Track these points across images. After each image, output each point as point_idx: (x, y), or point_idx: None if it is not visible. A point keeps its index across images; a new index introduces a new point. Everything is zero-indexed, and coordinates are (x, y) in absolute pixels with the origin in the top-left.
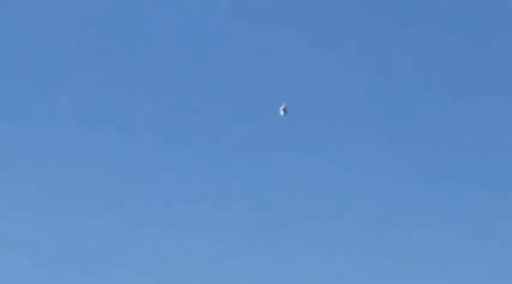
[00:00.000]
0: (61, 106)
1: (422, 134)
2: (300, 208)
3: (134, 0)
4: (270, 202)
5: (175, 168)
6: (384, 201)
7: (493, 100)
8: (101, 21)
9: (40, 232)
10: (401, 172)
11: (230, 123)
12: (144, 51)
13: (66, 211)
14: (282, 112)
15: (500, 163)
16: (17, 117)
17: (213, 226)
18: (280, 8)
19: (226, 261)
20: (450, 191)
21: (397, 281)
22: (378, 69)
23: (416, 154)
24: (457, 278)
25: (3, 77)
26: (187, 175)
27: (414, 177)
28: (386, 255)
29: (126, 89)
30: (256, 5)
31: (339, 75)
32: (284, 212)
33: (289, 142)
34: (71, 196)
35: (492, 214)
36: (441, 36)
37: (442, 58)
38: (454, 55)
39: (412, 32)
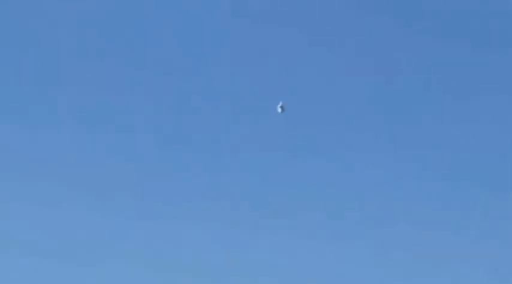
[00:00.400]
0: (61, 106)
1: (422, 134)
2: (299, 206)
3: (134, 0)
4: (269, 200)
5: (175, 166)
6: (383, 200)
7: (493, 100)
8: (101, 21)
9: (40, 230)
10: (402, 172)
11: (230, 122)
12: (144, 51)
13: (66, 208)
14: (279, 110)
15: (500, 162)
16: (17, 117)
17: (213, 220)
18: (280, 8)
19: (226, 252)
20: (450, 190)
21: (397, 277)
22: (378, 69)
23: (416, 154)
24: (457, 277)
25: (3, 77)
26: (188, 173)
27: (414, 177)
28: (385, 251)
29: (126, 89)
30: (256, 5)
31: (339, 75)
32: (283, 210)
33: (289, 141)
34: (72, 194)
35: (492, 214)
36: (441, 36)
37: (442, 58)
38: (454, 55)
39: (412, 32)
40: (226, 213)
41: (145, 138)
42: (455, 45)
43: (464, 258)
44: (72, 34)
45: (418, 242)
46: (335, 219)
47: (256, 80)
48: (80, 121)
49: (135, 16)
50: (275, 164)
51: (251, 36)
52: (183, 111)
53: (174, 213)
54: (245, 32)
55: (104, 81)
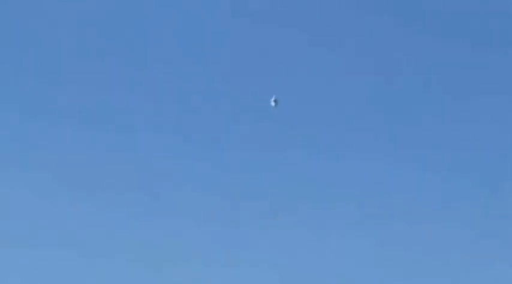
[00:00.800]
0: (61, 104)
1: (421, 134)
2: (298, 204)
3: (134, 1)
4: (269, 198)
5: (174, 166)
6: (382, 198)
7: (493, 100)
8: (101, 21)
9: (39, 228)
10: (401, 170)
11: (230, 122)
12: (144, 51)
13: (66, 205)
14: (272, 104)
15: (499, 162)
16: (18, 116)
17: (212, 218)
18: (280, 8)
19: (226, 250)
20: (449, 189)
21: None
22: (378, 69)
23: (415, 153)
24: (457, 275)
25: (3, 77)
26: (192, 171)
27: (413, 175)
28: (384, 248)
29: (125, 89)
30: (256, 5)
31: (339, 75)
32: (283, 207)
33: (289, 140)
34: (71, 193)
35: (491, 213)
36: (441, 36)
37: (442, 58)
38: (454, 55)
39: (412, 32)
40: (226, 210)
41: (145, 138)
42: (455, 45)
43: (463, 257)
44: (72, 34)
45: (416, 240)
46: (335, 217)
47: (256, 80)
48: (82, 120)
49: (135, 16)
50: (275, 162)
51: (251, 36)
52: (182, 111)
53: (173, 210)
54: (245, 32)
55: (104, 81)
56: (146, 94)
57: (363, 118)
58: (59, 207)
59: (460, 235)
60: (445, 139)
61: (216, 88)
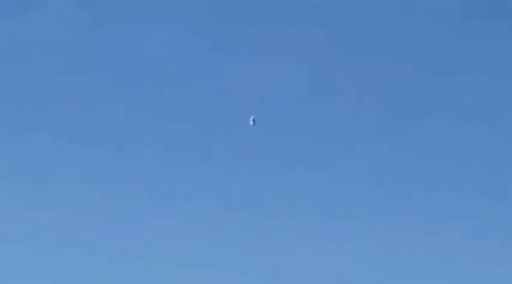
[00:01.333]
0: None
1: (416, 137)
2: (295, 207)
3: (135, 3)
4: (267, 205)
5: (179, 172)
6: (376, 204)
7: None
8: (99, 36)
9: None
10: (396, 174)
11: (228, 132)
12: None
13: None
14: (251, 122)
15: (498, 166)
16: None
17: (212, 224)
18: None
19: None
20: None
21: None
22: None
23: (416, 155)
24: (456, 277)
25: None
26: (193, 179)
27: (410, 178)
28: (378, 253)
29: (125, 105)
30: (255, 7)
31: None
32: (281, 213)
33: (284, 151)
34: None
35: (490, 215)
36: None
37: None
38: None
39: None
40: (227, 213)
41: (145, 145)
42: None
43: (462, 258)
44: (71, 46)
45: (413, 242)
46: (334, 220)
47: (247, 93)
48: (82, 128)
49: (132, 24)
50: (275, 166)
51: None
52: (177, 121)
53: (181, 214)
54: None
55: (101, 98)
56: (145, 108)
57: (361, 123)
58: (59, 207)
59: (460, 236)
60: (440, 139)
61: (215, 93)
